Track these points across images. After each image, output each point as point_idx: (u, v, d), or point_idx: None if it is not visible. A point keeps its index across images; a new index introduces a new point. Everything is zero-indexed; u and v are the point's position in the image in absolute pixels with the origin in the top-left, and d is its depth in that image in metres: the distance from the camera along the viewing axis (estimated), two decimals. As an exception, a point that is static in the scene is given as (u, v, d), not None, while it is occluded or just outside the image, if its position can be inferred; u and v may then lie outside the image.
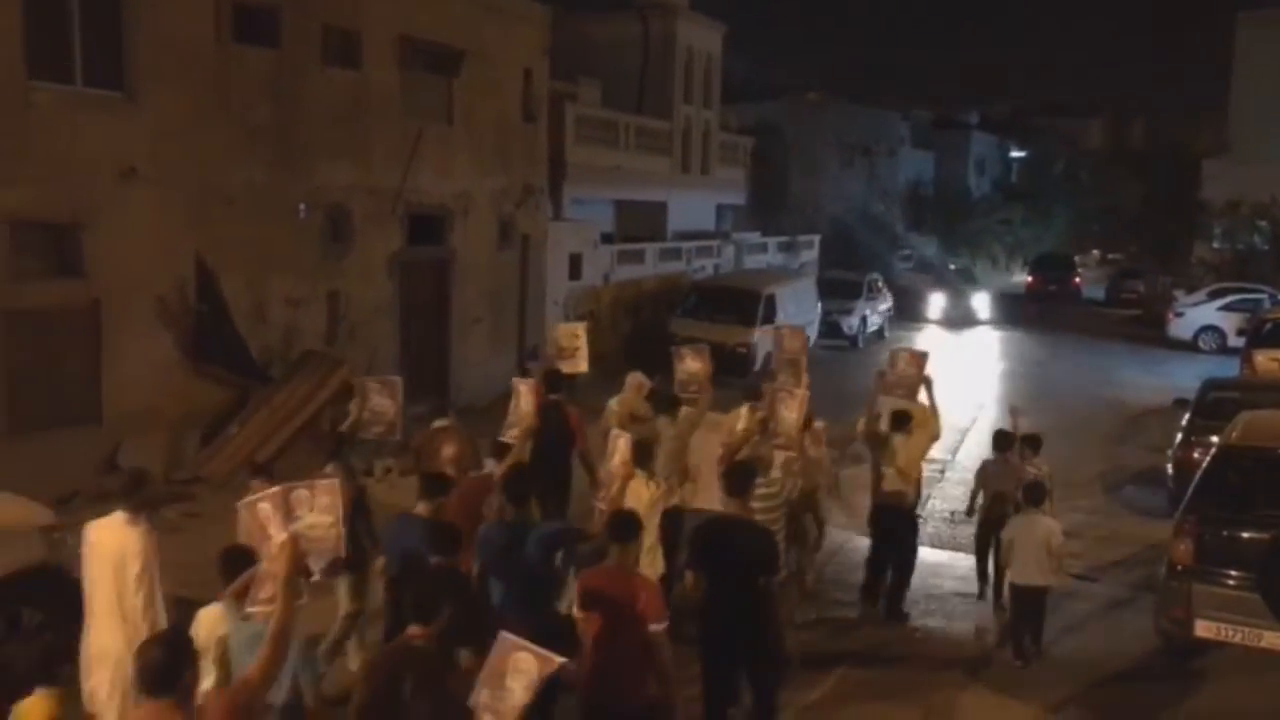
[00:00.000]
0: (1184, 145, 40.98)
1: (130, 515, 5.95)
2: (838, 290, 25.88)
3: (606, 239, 22.45)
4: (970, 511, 9.98)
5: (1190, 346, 26.56)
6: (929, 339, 26.22)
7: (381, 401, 8.84)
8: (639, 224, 25.44)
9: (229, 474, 11.83)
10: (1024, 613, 8.54)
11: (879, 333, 27.14)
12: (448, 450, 8.39)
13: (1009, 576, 8.69)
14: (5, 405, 10.68)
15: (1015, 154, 58.48)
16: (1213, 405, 12.93)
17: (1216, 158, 37.09)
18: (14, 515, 7.80)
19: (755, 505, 7.01)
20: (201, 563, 8.17)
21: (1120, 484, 13.99)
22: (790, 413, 8.58)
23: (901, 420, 9.14)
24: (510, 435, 8.39)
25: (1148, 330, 29.68)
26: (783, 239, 31.99)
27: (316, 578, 4.96)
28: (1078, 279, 39.48)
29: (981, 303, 32.64)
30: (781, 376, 10.59)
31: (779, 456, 8.46)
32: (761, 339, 19.36)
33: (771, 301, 21.15)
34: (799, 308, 22.22)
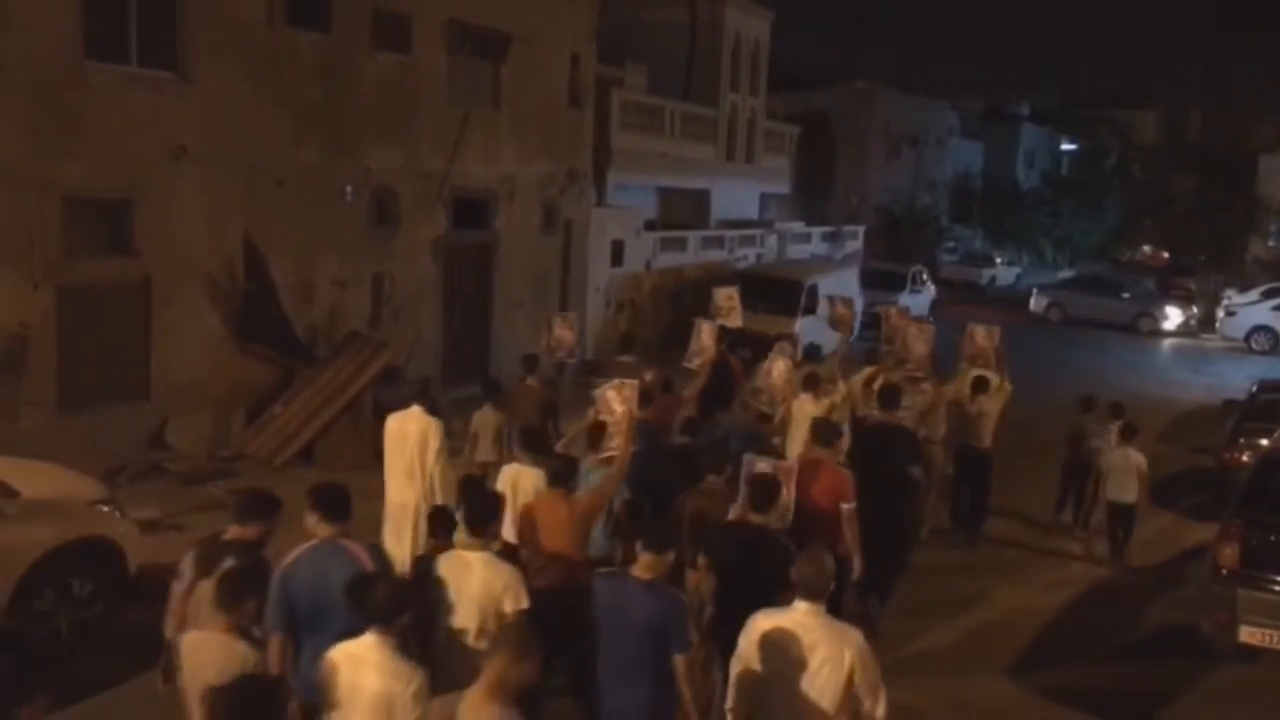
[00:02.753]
0: (1241, 140, 40.14)
1: (425, 409, 7.91)
2: (882, 281, 25.66)
3: (649, 226, 22.40)
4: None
5: (1242, 346, 26.05)
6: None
7: (563, 333, 11.10)
8: (682, 211, 25.36)
9: (272, 453, 12.00)
10: (1118, 523, 10.49)
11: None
12: (649, 376, 9.75)
13: (1106, 495, 10.46)
14: (57, 380, 10.88)
15: (1066, 146, 57.44)
16: (1264, 407, 12.70)
17: (1274, 153, 36.34)
18: (65, 488, 8.00)
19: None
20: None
21: (1163, 484, 13.75)
22: (920, 345, 10.28)
23: (981, 384, 10.76)
24: (695, 364, 10.46)
25: (1197, 328, 29.13)
26: (827, 229, 31.76)
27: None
28: None
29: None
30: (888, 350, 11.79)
31: (911, 385, 10.19)
32: (804, 329, 19.24)
33: (814, 292, 20.98)
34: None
